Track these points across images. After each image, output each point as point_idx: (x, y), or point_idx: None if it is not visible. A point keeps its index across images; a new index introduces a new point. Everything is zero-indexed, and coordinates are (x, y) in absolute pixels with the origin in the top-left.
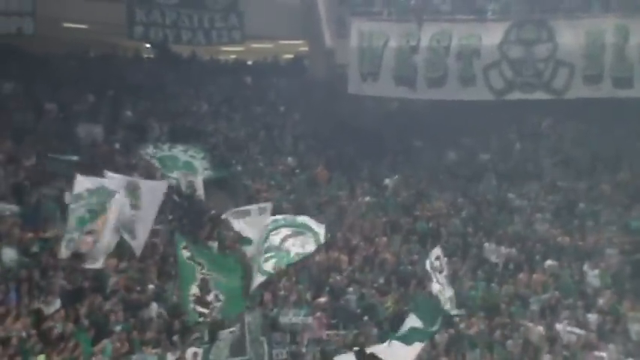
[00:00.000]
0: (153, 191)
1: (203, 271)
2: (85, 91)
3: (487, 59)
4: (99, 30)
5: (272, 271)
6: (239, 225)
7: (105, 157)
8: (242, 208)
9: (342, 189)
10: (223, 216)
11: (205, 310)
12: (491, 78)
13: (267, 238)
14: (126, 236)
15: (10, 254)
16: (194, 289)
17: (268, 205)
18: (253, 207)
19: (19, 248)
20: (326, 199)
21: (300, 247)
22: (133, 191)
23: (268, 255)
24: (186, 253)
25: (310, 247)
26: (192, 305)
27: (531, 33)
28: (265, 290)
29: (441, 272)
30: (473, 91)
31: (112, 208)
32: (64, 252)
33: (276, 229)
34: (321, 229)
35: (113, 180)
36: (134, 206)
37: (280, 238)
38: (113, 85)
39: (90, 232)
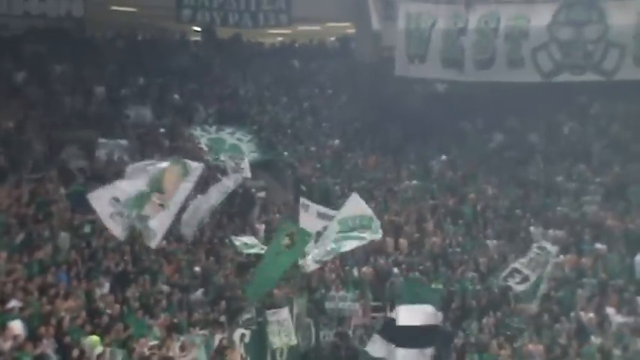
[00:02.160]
0: (223, 185)
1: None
2: (133, 74)
3: (535, 41)
4: (147, 13)
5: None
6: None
7: (153, 140)
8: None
9: (389, 172)
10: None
11: None
12: (539, 60)
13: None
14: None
15: (65, 239)
16: None
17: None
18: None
19: (70, 231)
20: (373, 182)
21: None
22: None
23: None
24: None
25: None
26: None
27: (581, 14)
28: (312, 273)
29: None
30: (521, 73)
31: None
32: (120, 233)
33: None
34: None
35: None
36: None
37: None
38: (161, 69)
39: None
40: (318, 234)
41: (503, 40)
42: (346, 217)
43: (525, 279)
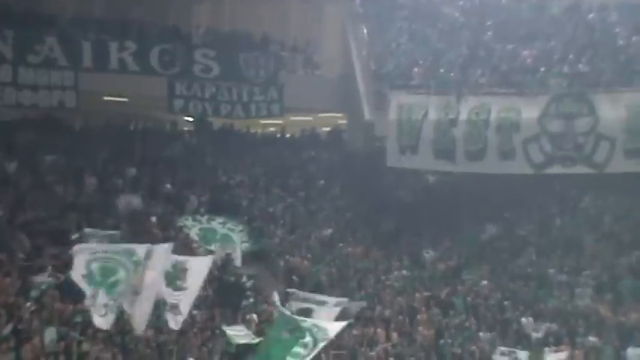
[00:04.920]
0: (199, 268)
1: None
2: (125, 163)
3: (526, 133)
4: (139, 103)
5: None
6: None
7: (144, 229)
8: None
9: (380, 263)
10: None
11: None
12: (530, 152)
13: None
14: (169, 314)
15: (51, 332)
16: None
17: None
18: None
19: (59, 321)
20: (364, 272)
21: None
22: (180, 271)
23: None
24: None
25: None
26: None
27: (571, 106)
28: None
29: None
30: (512, 164)
31: (145, 276)
32: (100, 321)
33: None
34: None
35: (159, 251)
36: (180, 288)
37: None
38: (152, 158)
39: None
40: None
41: (494, 132)
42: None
43: None
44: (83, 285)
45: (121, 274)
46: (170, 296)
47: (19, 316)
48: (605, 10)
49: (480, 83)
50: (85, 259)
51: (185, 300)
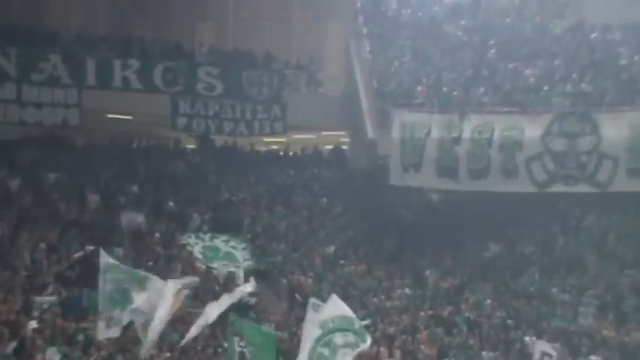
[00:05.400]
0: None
1: (241, 344)
2: (128, 181)
3: (529, 151)
4: (142, 121)
5: None
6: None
7: (147, 247)
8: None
9: (383, 281)
10: None
11: None
12: (533, 170)
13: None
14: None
15: (53, 353)
16: None
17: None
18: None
19: (62, 339)
20: (366, 291)
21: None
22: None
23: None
24: (231, 327)
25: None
26: None
27: (574, 125)
28: None
29: None
30: (515, 183)
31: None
32: (103, 332)
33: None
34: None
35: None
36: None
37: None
38: (155, 176)
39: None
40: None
41: (497, 150)
42: (326, 319)
43: None
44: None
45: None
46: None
47: (22, 334)
48: (608, 30)
49: (482, 102)
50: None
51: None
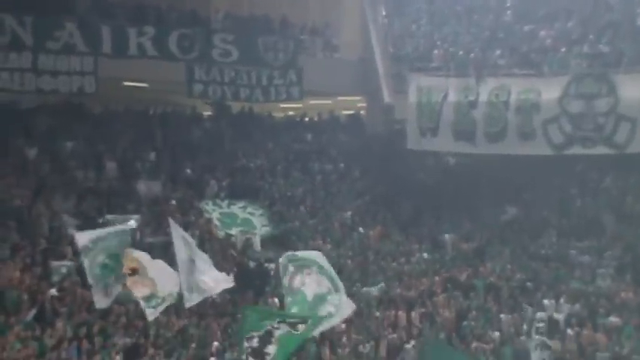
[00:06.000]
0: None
1: (273, 323)
2: (145, 148)
3: (546, 114)
4: (158, 88)
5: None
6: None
7: (164, 214)
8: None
9: (401, 245)
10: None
11: None
12: (550, 133)
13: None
14: (186, 291)
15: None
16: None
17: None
18: None
19: (81, 306)
20: (384, 255)
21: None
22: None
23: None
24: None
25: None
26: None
27: (591, 87)
28: (323, 346)
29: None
30: (532, 145)
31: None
32: (101, 301)
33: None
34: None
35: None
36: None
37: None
38: (172, 143)
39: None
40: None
41: (514, 113)
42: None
43: None
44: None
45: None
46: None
47: (42, 301)
48: None
49: (499, 64)
50: (93, 248)
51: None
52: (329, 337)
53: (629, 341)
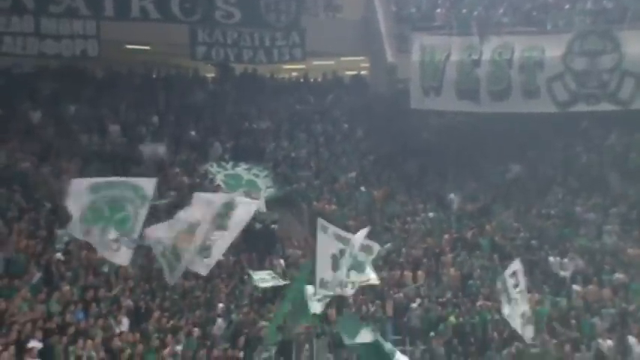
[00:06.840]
0: (244, 212)
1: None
2: (148, 111)
3: (550, 71)
4: (161, 51)
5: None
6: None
7: (169, 177)
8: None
9: (406, 205)
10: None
11: None
12: (555, 90)
13: None
14: (197, 257)
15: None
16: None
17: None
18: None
19: (87, 269)
20: (389, 215)
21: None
22: (226, 212)
23: None
24: None
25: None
26: None
27: (595, 44)
28: (330, 307)
29: (516, 287)
30: (536, 103)
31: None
32: (114, 256)
33: None
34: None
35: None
36: (220, 226)
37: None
38: (176, 105)
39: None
40: (334, 257)
41: (517, 71)
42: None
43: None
44: (78, 218)
45: (129, 209)
46: (208, 234)
47: (47, 265)
48: None
49: (502, 22)
50: (87, 193)
51: (221, 243)
52: (335, 298)
53: (637, 297)
